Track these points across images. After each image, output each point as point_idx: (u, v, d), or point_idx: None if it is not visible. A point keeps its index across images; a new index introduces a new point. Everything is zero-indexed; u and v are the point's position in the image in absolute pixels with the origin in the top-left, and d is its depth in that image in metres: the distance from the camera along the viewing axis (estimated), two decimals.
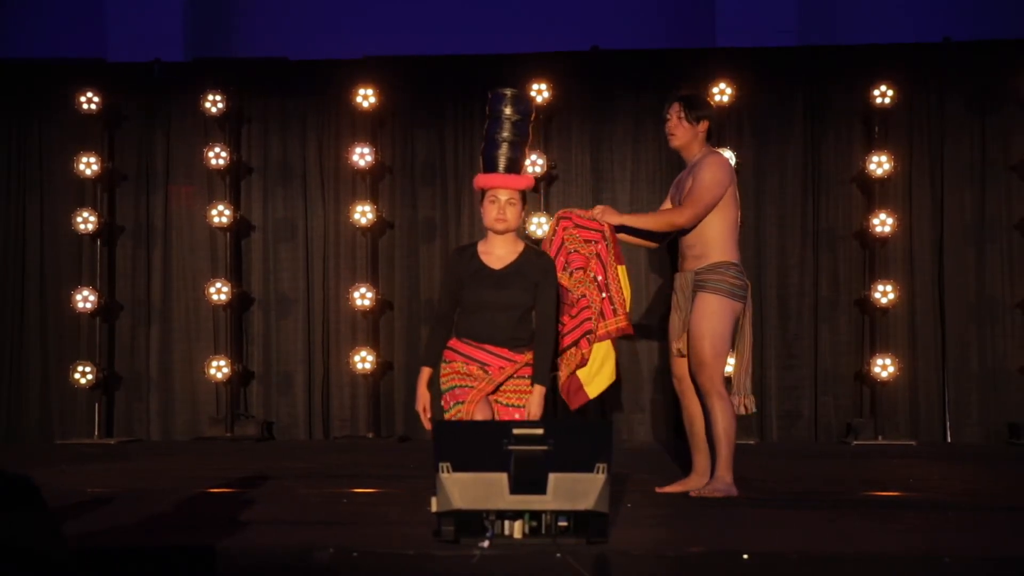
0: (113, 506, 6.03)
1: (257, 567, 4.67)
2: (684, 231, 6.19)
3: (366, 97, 9.47)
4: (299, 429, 9.75)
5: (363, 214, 9.45)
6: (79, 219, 9.59)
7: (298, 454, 8.67)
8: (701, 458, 6.30)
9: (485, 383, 5.63)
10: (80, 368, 9.52)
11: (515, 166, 5.76)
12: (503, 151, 5.76)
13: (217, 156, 9.56)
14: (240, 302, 9.77)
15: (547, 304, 5.76)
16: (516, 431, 4.72)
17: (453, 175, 9.64)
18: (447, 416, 5.69)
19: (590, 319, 6.09)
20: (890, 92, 9.15)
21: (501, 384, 5.67)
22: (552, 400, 9.21)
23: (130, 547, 4.86)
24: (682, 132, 6.20)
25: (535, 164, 9.20)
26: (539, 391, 5.69)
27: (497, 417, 5.62)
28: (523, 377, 5.71)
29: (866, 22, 10.05)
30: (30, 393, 9.85)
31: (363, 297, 9.44)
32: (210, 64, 10.07)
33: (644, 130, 9.60)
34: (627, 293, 6.24)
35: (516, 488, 4.64)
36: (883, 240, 9.22)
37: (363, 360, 9.40)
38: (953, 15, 9.85)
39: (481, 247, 5.79)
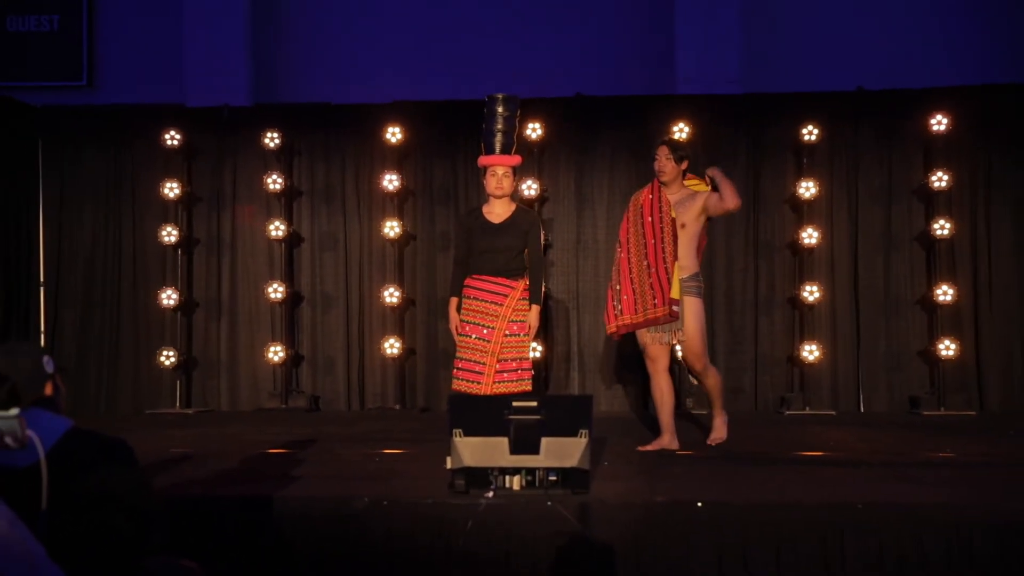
0: (191, 463, 6.04)
1: (306, 513, 4.68)
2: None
3: (394, 134, 9.46)
4: (340, 402, 9.74)
5: (391, 228, 9.45)
6: (164, 233, 9.59)
7: (339, 422, 8.68)
8: (666, 419, 6.58)
9: (500, 321, 6.15)
10: (165, 352, 9.53)
11: (508, 149, 6.33)
12: (498, 138, 6.32)
13: (274, 182, 9.56)
14: (292, 299, 9.76)
15: (535, 245, 6.35)
16: (515, 404, 4.73)
17: (464, 197, 9.64)
18: (457, 338, 6.26)
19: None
20: (815, 130, 9.15)
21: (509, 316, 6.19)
22: (542, 379, 9.25)
23: (204, 496, 4.87)
24: (670, 169, 6.46)
25: (530, 188, 9.21)
26: (535, 309, 6.31)
27: (507, 332, 6.17)
28: (523, 299, 6.22)
29: (795, 74, 10.04)
30: (124, 372, 9.84)
31: (391, 295, 9.43)
32: (269, 108, 10.10)
33: (618, 161, 9.60)
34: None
35: (515, 449, 4.66)
36: (810, 250, 9.22)
37: (391, 346, 9.40)
38: (865, 69, 9.85)
39: (484, 208, 6.40)
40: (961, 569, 4.41)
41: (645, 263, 6.38)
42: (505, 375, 6.17)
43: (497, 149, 6.29)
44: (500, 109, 6.33)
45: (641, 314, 6.37)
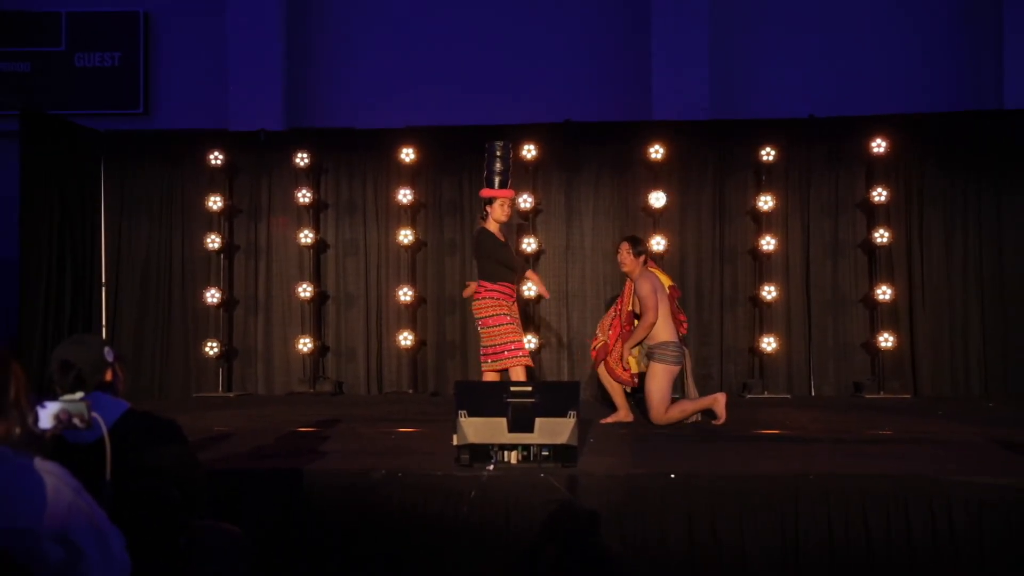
0: (232, 440, 6.05)
1: (331, 483, 4.70)
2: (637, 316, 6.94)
3: (408, 154, 9.46)
4: (361, 387, 9.72)
5: (405, 236, 9.45)
6: (208, 240, 9.59)
7: (360, 404, 8.68)
8: (619, 400, 6.99)
9: (519, 316, 6.86)
10: (209, 343, 9.53)
11: (505, 184, 6.87)
12: (498, 176, 6.84)
13: (304, 196, 9.56)
14: (319, 298, 9.75)
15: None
16: (513, 388, 4.74)
17: (468, 209, 9.63)
18: (501, 327, 6.65)
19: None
20: (773, 151, 9.15)
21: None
22: (536, 367, 9.24)
23: (244, 468, 4.88)
24: (629, 261, 6.88)
25: (526, 201, 9.21)
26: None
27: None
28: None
29: (756, 103, 10.07)
30: (175, 361, 9.83)
31: (405, 294, 9.43)
32: (300, 132, 10.09)
33: (602, 178, 9.58)
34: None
35: (513, 428, 4.68)
36: (768, 255, 9.22)
37: (405, 339, 9.39)
38: (816, 98, 9.87)
39: (491, 228, 6.86)
40: (897, 528, 4.43)
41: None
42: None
43: (496, 184, 6.84)
44: (499, 153, 6.84)
45: (613, 365, 6.89)
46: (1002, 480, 4.51)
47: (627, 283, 7.05)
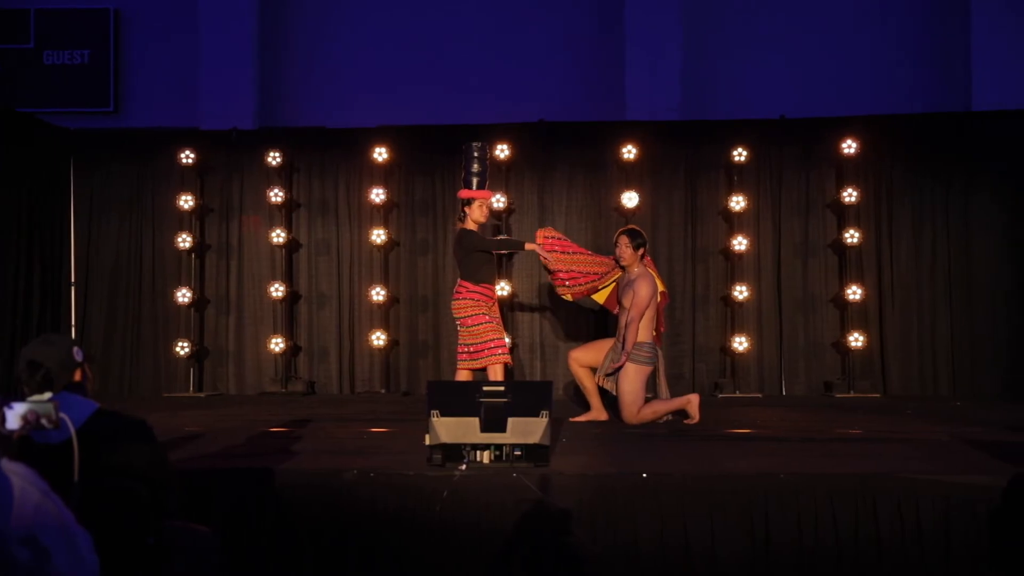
0: (203, 439, 6.01)
1: (302, 483, 4.68)
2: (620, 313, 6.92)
3: (380, 154, 9.44)
4: (333, 386, 9.70)
5: (378, 236, 9.43)
6: (179, 239, 9.53)
7: (332, 404, 8.65)
8: (594, 400, 6.99)
9: (499, 316, 6.97)
10: (180, 343, 9.47)
11: (484, 185, 6.94)
12: (476, 177, 6.85)
13: (276, 195, 9.52)
14: (291, 297, 9.72)
15: None
16: (485, 388, 4.74)
17: (441, 209, 9.63)
18: (483, 325, 6.74)
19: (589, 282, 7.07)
20: (744, 152, 9.21)
21: None
22: (510, 366, 9.24)
23: (215, 468, 4.85)
24: (628, 255, 6.77)
25: (499, 201, 9.20)
26: None
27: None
28: None
29: (728, 104, 10.11)
30: (145, 361, 9.76)
31: (377, 294, 9.41)
32: (271, 131, 10.04)
33: (575, 178, 9.61)
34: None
35: (485, 428, 4.67)
36: (740, 255, 9.27)
37: (377, 338, 9.37)
38: (787, 99, 9.92)
39: (471, 228, 6.90)
40: (866, 527, 4.46)
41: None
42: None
43: (475, 185, 6.89)
44: (476, 154, 6.91)
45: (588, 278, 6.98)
46: (970, 478, 4.55)
47: (620, 274, 6.95)
